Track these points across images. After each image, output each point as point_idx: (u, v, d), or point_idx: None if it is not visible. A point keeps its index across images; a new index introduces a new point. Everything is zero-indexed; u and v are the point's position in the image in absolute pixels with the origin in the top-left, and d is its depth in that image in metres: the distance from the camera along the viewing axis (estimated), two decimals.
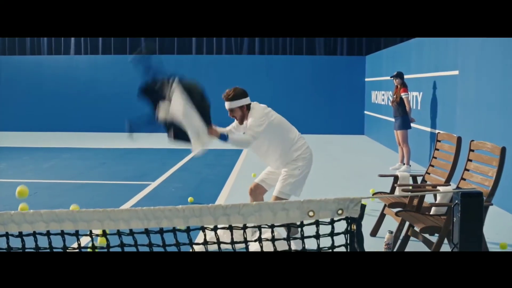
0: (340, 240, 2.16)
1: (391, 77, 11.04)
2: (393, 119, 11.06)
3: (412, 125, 11.03)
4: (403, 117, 10.62)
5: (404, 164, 10.69)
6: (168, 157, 12.59)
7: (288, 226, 2.09)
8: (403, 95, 10.58)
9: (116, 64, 19.36)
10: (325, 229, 2.14)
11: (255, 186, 5.71)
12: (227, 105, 5.42)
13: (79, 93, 19.37)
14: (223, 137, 5.26)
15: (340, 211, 2.01)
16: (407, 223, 5.22)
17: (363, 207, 2.02)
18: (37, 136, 17.93)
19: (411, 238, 5.19)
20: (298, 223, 2.07)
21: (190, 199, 9.38)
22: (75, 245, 2.17)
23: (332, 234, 2.10)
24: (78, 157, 12.83)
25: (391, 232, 5.30)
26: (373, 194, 6.34)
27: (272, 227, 2.08)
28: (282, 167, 5.49)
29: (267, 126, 5.36)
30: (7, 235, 2.13)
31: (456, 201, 2.02)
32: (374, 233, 5.97)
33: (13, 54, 20.63)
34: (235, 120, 5.58)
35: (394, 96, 10.80)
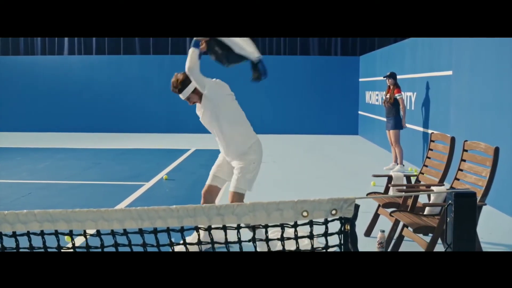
0: (334, 240, 2.16)
1: (384, 77, 11.04)
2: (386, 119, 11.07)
3: (407, 125, 11.06)
4: (396, 117, 10.64)
5: (397, 164, 10.70)
6: (163, 158, 12.58)
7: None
8: (397, 96, 10.59)
9: (110, 64, 19.34)
10: (319, 229, 2.15)
11: (209, 188, 5.45)
12: (182, 97, 5.40)
13: (73, 94, 19.34)
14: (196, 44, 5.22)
15: (334, 211, 2.02)
16: (401, 223, 5.23)
17: (357, 207, 2.02)
18: (32, 137, 17.88)
19: (405, 238, 5.20)
20: (292, 223, 2.07)
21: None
22: (70, 245, 2.17)
23: (326, 234, 2.10)
24: (72, 158, 12.80)
25: (383, 231, 5.31)
26: (367, 195, 6.35)
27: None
28: (235, 157, 5.31)
29: (221, 88, 5.37)
30: (0, 235, 2.12)
31: (450, 201, 2.03)
32: (368, 233, 5.98)
33: (6, 55, 20.57)
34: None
35: (387, 97, 10.81)
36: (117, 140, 16.90)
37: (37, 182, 9.49)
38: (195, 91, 5.30)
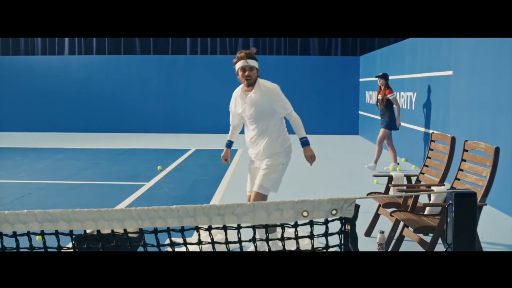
0: (334, 240, 2.16)
1: (376, 77, 10.96)
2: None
3: (406, 125, 11.04)
4: (391, 118, 10.58)
5: (396, 162, 10.66)
6: (163, 158, 12.58)
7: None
8: (389, 96, 10.50)
9: (110, 64, 19.34)
10: (319, 229, 2.14)
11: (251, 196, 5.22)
12: (250, 62, 5.09)
13: (72, 94, 19.34)
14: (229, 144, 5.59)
15: (334, 211, 2.01)
16: (401, 223, 5.23)
17: (357, 207, 2.02)
18: (31, 137, 17.88)
19: (405, 238, 5.20)
20: (292, 223, 2.07)
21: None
22: (70, 245, 2.17)
23: (326, 234, 2.10)
24: (72, 158, 12.80)
25: (382, 232, 5.31)
26: (367, 195, 6.35)
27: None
28: (265, 156, 5.20)
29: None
30: (0, 235, 2.12)
31: (450, 201, 2.03)
32: (368, 233, 5.98)
33: (7, 54, 20.57)
34: (244, 86, 5.20)
35: (379, 98, 10.74)
36: (116, 140, 16.89)
37: (37, 182, 9.49)
38: (257, 70, 5.17)
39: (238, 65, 5.11)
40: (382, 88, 10.67)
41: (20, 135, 18.39)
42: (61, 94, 19.36)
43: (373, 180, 9.13)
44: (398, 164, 10.71)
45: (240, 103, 5.25)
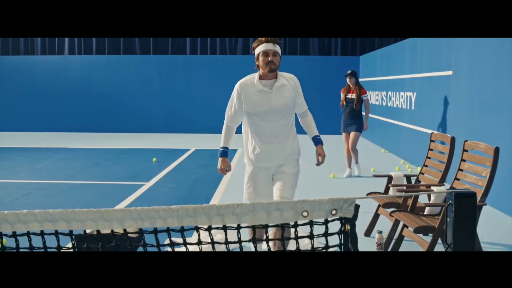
0: (334, 240, 2.16)
1: (345, 75, 10.22)
2: (386, 119, 11.01)
3: (406, 125, 11.00)
4: (361, 120, 10.01)
5: (357, 164, 10.08)
6: (163, 158, 12.58)
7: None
8: (364, 96, 9.98)
9: (109, 64, 19.34)
10: (319, 229, 2.15)
11: None
12: (275, 47, 4.39)
13: (72, 93, 19.35)
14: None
15: (334, 211, 2.01)
16: (401, 223, 5.23)
17: (357, 207, 2.02)
18: (31, 136, 17.88)
19: (405, 238, 5.20)
20: (292, 223, 2.07)
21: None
22: (70, 245, 2.17)
23: (326, 234, 2.10)
24: (71, 158, 12.80)
25: (380, 232, 5.31)
26: (367, 195, 6.35)
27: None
28: (284, 161, 4.60)
29: None
30: (0, 235, 2.12)
31: (450, 201, 2.03)
32: (368, 233, 5.98)
33: (6, 54, 20.57)
34: (261, 71, 4.44)
35: (351, 97, 10.00)
36: (116, 140, 16.89)
37: (37, 182, 9.49)
38: (280, 59, 4.45)
39: (261, 49, 4.40)
40: (356, 88, 10.00)
41: (20, 135, 18.39)
42: (61, 94, 19.37)
43: (374, 180, 9.11)
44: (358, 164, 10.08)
45: (254, 96, 4.48)
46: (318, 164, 4.79)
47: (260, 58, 4.40)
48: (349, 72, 10.10)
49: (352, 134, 9.95)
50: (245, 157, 4.82)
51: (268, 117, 4.50)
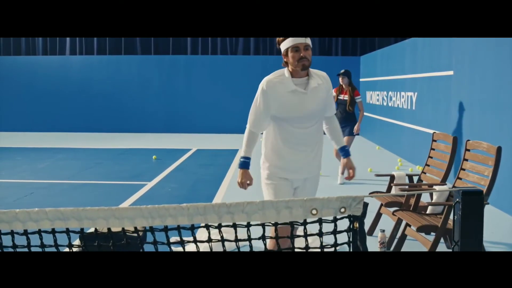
0: (342, 238, 2.18)
1: (338, 74, 9.56)
2: (387, 119, 11.01)
3: (407, 125, 11.02)
4: (353, 123, 9.41)
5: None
6: (164, 157, 12.60)
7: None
8: (357, 98, 9.43)
9: (110, 64, 19.36)
10: (328, 227, 2.17)
11: None
12: (306, 40, 3.75)
13: (74, 93, 19.37)
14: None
15: (343, 209, 2.03)
16: (403, 222, 5.26)
17: (365, 205, 2.04)
18: (32, 137, 17.90)
19: (408, 237, 5.23)
20: (302, 221, 2.09)
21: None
22: (80, 242, 2.19)
23: (335, 232, 2.12)
24: (73, 158, 12.82)
25: (383, 231, 5.34)
26: (369, 194, 6.37)
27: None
28: (310, 173, 4.07)
29: None
30: (12, 233, 2.14)
31: (457, 199, 2.05)
32: (370, 232, 6.01)
33: (8, 54, 20.59)
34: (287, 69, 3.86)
35: (344, 98, 9.43)
36: (117, 140, 16.91)
37: (38, 182, 9.51)
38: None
39: (289, 43, 3.77)
40: (349, 88, 9.45)
41: (21, 135, 18.41)
42: (62, 94, 19.39)
43: (376, 180, 9.13)
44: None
45: (286, 97, 3.81)
46: (350, 178, 4.27)
47: (290, 54, 3.76)
48: (342, 71, 9.52)
49: (345, 138, 9.09)
50: (265, 167, 4.03)
51: (301, 122, 3.85)
